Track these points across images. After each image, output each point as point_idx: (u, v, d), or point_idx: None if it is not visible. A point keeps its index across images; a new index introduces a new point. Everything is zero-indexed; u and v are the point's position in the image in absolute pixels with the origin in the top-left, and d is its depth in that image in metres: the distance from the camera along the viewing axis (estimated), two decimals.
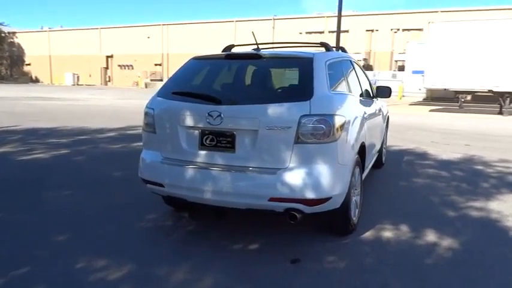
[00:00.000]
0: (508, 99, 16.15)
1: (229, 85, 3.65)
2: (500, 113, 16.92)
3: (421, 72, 20.78)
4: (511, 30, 15.47)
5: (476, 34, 15.99)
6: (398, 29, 34.94)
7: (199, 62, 3.75)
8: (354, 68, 4.35)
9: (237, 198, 2.99)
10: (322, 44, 3.75)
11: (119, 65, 49.23)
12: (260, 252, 3.19)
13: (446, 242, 3.40)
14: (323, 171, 2.88)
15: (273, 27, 39.35)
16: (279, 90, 3.42)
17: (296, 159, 2.88)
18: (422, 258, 3.12)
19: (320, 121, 2.85)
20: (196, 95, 3.16)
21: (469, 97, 20.22)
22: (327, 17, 37.12)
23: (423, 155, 7.32)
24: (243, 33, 39.40)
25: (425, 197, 4.76)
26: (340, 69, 3.74)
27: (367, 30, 36.36)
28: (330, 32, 35.72)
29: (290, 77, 3.38)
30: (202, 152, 3.12)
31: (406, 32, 34.30)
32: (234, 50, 3.97)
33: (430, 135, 9.75)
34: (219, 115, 2.98)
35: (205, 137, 3.10)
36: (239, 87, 3.57)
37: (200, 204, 3.22)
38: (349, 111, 3.29)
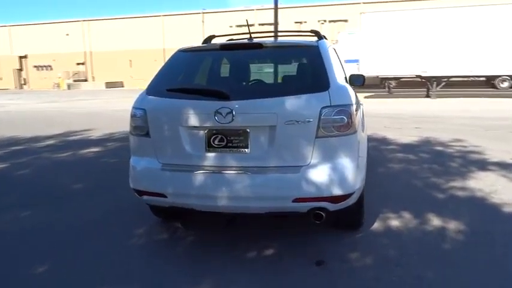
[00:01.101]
0: (435, 83, 17.37)
1: (233, 78, 3.33)
2: (428, 96, 18.14)
3: (354, 61, 21.58)
4: (437, 19, 16.62)
5: (406, 23, 16.93)
6: (325, 21, 36.14)
7: (188, 55, 3.38)
8: (338, 56, 4.24)
9: (257, 203, 2.72)
10: (314, 32, 3.57)
11: (35, 66, 45.15)
12: (280, 257, 2.96)
13: (452, 225, 3.42)
14: (347, 165, 2.71)
15: (203, 21, 38.63)
16: (292, 82, 3.17)
17: (318, 155, 2.67)
18: (440, 244, 3.10)
19: (341, 112, 2.67)
20: (200, 91, 2.82)
21: (394, 83, 21.39)
22: (256, 9, 37.25)
23: (384, 140, 7.52)
24: (172, 28, 38.24)
25: (408, 181, 4.83)
26: (334, 57, 3.59)
27: (295, 22, 37.08)
28: (260, 24, 35.91)
29: (299, 67, 3.15)
30: (210, 155, 2.79)
31: (333, 23, 35.57)
32: (215, 41, 3.64)
33: (379, 120, 10.10)
34: (230, 112, 2.67)
35: (213, 138, 2.77)
36: (245, 80, 3.27)
37: (211, 212, 2.90)
38: (356, 100, 3.16)
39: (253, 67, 3.36)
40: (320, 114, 2.64)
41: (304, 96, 2.70)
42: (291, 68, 3.34)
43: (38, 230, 3.61)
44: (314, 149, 2.67)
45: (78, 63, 43.14)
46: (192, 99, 2.80)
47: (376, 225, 3.47)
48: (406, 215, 3.67)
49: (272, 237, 3.26)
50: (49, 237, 3.45)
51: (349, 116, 2.70)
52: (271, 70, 3.30)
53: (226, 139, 2.76)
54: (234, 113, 2.67)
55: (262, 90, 2.87)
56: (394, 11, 18.10)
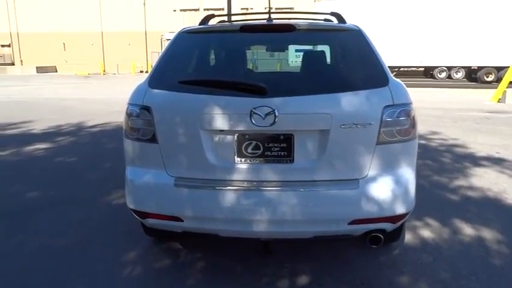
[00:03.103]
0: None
1: (262, 69, 2.68)
2: None
3: (303, 49, 21.39)
4: (386, 8, 16.94)
5: (357, 12, 17.12)
6: (272, 8, 35.72)
7: (196, 38, 2.69)
8: None
9: (303, 227, 2.17)
10: (334, 15, 3.02)
11: None
12: (320, 285, 2.43)
13: (488, 234, 3.12)
14: (409, 177, 2.24)
15: (144, 4, 36.53)
16: (342, 74, 2.59)
17: (377, 165, 2.17)
18: (488, 259, 2.76)
19: (403, 113, 2.18)
20: (228, 84, 2.17)
21: None
22: None
23: None
24: (110, 10, 35.76)
25: None
26: None
27: (242, 8, 36.34)
28: (205, 9, 34.73)
29: (344, 55, 2.58)
30: (242, 166, 2.18)
31: (280, 9, 35.26)
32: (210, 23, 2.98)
33: None
34: (272, 112, 2.07)
35: (245, 144, 2.16)
36: (278, 71, 2.62)
37: (239, 238, 2.29)
38: None
39: (291, 54, 2.74)
40: (382, 115, 2.12)
41: (363, 93, 2.16)
42: (334, 56, 2.77)
43: None
44: (373, 158, 2.16)
45: (2, 45, 39.06)
46: (218, 94, 2.15)
47: (408, 237, 3.07)
48: (432, 222, 3.32)
49: (297, 260, 2.72)
50: (4, 275, 2.64)
51: (412, 117, 2.21)
52: (315, 58, 2.70)
53: (263, 146, 2.16)
54: (276, 113, 2.07)
55: (308, 84, 2.30)
56: None
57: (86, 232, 3.21)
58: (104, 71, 32.73)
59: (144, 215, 2.31)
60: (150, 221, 2.32)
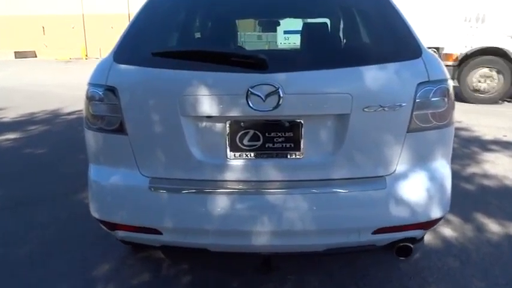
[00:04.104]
0: None
1: (261, 37, 2.15)
2: None
3: (293, 31, 20.80)
4: None
5: None
6: None
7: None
8: None
9: (316, 239, 1.72)
10: None
11: None
12: None
13: None
14: (445, 172, 1.79)
15: None
16: (362, 43, 2.06)
17: (407, 158, 1.71)
18: None
19: (440, 91, 1.71)
20: (217, 56, 1.67)
21: None
22: None
23: None
24: None
25: None
26: None
27: None
28: None
29: (364, 19, 2.06)
30: (236, 163, 1.70)
31: None
32: None
33: None
34: (275, 92, 1.58)
35: (240, 134, 1.68)
36: (281, 40, 2.10)
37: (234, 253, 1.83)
38: None
39: (290, 21, 2.19)
40: (415, 95, 1.65)
41: (391, 66, 1.68)
42: (352, 22, 2.24)
43: None
44: (403, 150, 1.70)
45: None
46: (204, 69, 1.65)
47: (428, 237, 2.64)
48: (452, 218, 2.90)
49: (307, 270, 2.28)
50: None
51: (450, 97, 1.75)
52: (326, 25, 2.19)
53: (264, 137, 1.68)
54: (281, 93, 1.58)
55: (321, 56, 1.79)
56: None
57: (49, 239, 2.72)
58: (86, 55, 31.57)
59: (112, 226, 1.82)
60: (121, 234, 1.84)
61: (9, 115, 7.23)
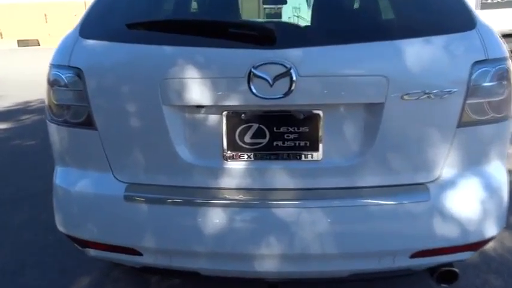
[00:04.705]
0: None
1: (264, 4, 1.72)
2: None
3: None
4: None
5: None
6: None
7: None
8: None
9: (337, 264, 1.34)
10: None
11: None
12: None
13: None
14: (501, 178, 1.40)
15: None
16: (401, 10, 1.63)
17: (455, 160, 1.33)
18: None
19: (500, 74, 1.30)
20: (212, 27, 1.27)
21: None
22: None
23: None
24: None
25: None
26: None
27: None
28: None
29: None
30: (235, 166, 1.33)
31: None
32: None
33: None
34: (286, 73, 1.19)
35: (240, 129, 1.30)
36: (290, 8, 1.66)
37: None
38: None
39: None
40: (470, 78, 1.26)
41: (437, 40, 1.28)
42: None
43: None
44: (451, 150, 1.31)
45: None
46: (193, 44, 1.26)
47: None
48: None
49: None
50: None
51: (510, 82, 1.34)
52: None
53: (271, 132, 1.30)
54: (293, 75, 1.19)
55: (346, 27, 1.38)
56: None
57: (23, 245, 2.37)
58: None
59: (81, 243, 1.46)
60: (93, 253, 1.47)
61: (2, 104, 6.90)
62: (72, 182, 1.44)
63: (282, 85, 1.21)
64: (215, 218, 1.30)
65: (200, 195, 1.33)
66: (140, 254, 1.37)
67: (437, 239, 1.31)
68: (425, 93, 1.23)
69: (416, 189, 1.31)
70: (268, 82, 1.20)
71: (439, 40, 1.27)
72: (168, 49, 1.28)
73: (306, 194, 1.31)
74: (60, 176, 1.48)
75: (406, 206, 1.29)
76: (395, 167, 1.31)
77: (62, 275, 2.09)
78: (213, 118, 1.31)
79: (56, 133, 1.47)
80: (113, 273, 2.09)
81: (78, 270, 2.12)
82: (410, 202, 1.29)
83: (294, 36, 1.27)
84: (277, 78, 1.20)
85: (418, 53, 1.25)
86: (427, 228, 1.29)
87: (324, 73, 1.23)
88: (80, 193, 1.42)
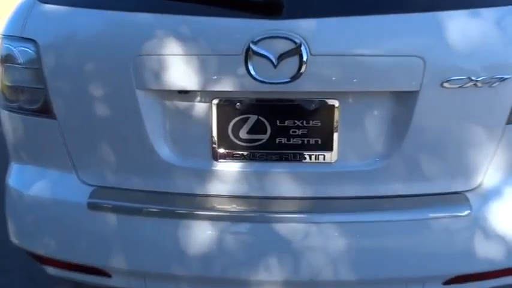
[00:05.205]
0: None
1: None
2: None
3: None
4: None
5: None
6: None
7: None
8: None
9: None
10: None
11: None
12: None
13: None
14: None
15: None
16: None
17: (501, 165, 1.08)
18: None
19: None
20: None
21: None
22: None
23: None
24: None
25: None
26: None
27: None
28: None
29: None
30: (228, 168, 1.07)
31: None
32: None
33: None
34: (295, 50, 0.92)
35: (235, 121, 1.03)
36: None
37: None
38: None
39: None
40: None
41: (486, 13, 1.01)
42: None
43: None
44: (497, 151, 1.05)
45: None
46: (176, 12, 0.99)
47: None
48: None
49: None
50: None
51: None
52: None
53: (273, 126, 1.04)
54: (304, 53, 0.92)
55: None
56: None
57: None
58: None
59: (38, 258, 1.19)
60: (52, 271, 1.21)
61: None
62: (28, 182, 1.18)
63: (289, 66, 0.94)
64: (201, 234, 1.04)
65: (183, 204, 1.07)
66: (108, 276, 1.11)
67: (478, 262, 1.06)
68: (471, 80, 0.97)
69: (454, 199, 1.06)
70: (272, 62, 0.93)
71: (490, 13, 1.00)
72: (144, 17, 1.00)
73: (316, 206, 1.05)
74: (14, 175, 1.21)
75: (441, 222, 1.04)
76: (428, 172, 1.05)
77: (31, 283, 1.85)
78: (200, 107, 1.04)
79: (9, 122, 1.19)
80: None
81: (49, 280, 1.87)
82: (446, 216, 1.04)
83: (305, 3, 1.00)
84: (282, 56, 0.93)
85: (463, 29, 0.98)
86: (466, 248, 1.05)
87: (342, 52, 0.96)
88: (35, 197, 1.16)
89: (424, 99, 0.97)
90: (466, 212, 1.03)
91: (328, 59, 0.96)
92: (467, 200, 1.05)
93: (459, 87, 0.97)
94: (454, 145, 1.04)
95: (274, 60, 0.93)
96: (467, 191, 1.07)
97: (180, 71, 0.98)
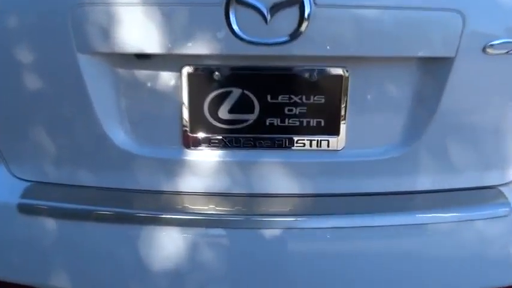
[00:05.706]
0: None
1: None
2: None
3: None
4: None
5: None
6: None
7: None
8: None
9: None
10: None
11: None
12: None
13: None
14: None
15: None
16: None
17: None
18: None
19: None
20: None
21: None
22: None
23: None
24: None
25: None
26: None
27: None
28: None
29: None
30: (204, 158, 0.83)
31: None
32: None
33: None
34: (294, 1, 0.68)
35: (213, 96, 0.79)
36: None
37: None
38: None
39: None
40: None
41: None
42: None
43: None
44: None
45: None
46: None
47: None
48: None
49: None
50: None
51: None
52: None
53: (263, 102, 0.80)
54: (306, 5, 0.68)
55: None
56: None
57: None
58: None
59: None
60: None
61: None
62: None
63: (285, 21, 0.70)
64: (169, 244, 0.80)
65: (146, 206, 0.83)
66: None
67: None
68: None
69: (489, 196, 0.85)
70: (262, 15, 0.69)
71: None
72: None
73: (317, 206, 0.83)
74: None
75: (475, 224, 0.83)
76: (458, 162, 0.84)
77: None
78: (166, 77, 0.78)
79: None
80: None
81: None
82: (479, 215, 0.83)
83: None
84: (277, 8, 0.69)
85: None
86: (506, 256, 0.84)
87: (357, 2, 0.72)
88: None
89: (459, 68, 0.75)
90: (505, 211, 0.83)
91: (337, 12, 0.72)
92: (504, 197, 0.85)
93: (505, 52, 0.75)
94: (492, 128, 0.83)
95: (265, 13, 0.69)
96: (501, 185, 0.87)
97: (137, 27, 0.72)
